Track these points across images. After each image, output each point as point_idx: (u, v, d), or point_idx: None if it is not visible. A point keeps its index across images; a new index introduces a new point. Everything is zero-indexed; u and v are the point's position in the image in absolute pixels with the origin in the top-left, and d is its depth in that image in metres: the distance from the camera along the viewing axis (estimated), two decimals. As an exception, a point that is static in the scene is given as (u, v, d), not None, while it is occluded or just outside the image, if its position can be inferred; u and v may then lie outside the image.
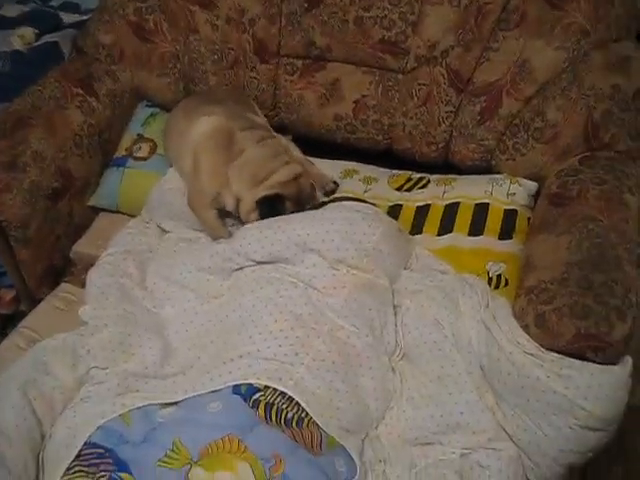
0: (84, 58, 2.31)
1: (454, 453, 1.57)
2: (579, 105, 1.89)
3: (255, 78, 2.24)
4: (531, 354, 1.52)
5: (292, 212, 1.91)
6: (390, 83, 2.12)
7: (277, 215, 1.89)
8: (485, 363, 1.63)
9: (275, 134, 2.16)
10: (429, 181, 2.12)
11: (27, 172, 1.96)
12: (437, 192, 2.06)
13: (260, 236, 1.84)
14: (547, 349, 1.51)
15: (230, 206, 1.96)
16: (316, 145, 2.29)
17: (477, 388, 1.61)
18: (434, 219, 2.00)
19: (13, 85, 2.16)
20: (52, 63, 2.25)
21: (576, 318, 1.48)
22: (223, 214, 2.01)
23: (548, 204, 1.80)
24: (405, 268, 1.88)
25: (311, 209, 1.96)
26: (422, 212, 2.03)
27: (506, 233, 1.91)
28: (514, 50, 1.95)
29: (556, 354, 1.50)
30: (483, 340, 1.65)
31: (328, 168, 2.20)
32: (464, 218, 1.96)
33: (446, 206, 2.01)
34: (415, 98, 2.09)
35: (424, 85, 2.07)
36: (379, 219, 1.89)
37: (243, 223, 1.96)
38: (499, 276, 1.84)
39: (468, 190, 2.03)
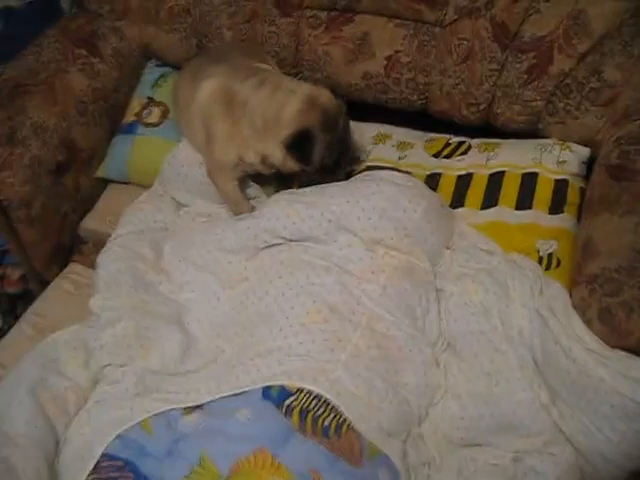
0: (85, 14, 2.10)
1: (505, 457, 1.43)
2: (642, 63, 1.68)
3: (275, 33, 2.03)
4: (594, 351, 1.37)
5: (328, 140, 1.70)
6: (426, 37, 1.91)
7: (313, 151, 1.69)
8: (539, 357, 1.47)
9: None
10: (470, 146, 1.93)
11: (27, 146, 1.79)
12: (480, 159, 1.87)
13: (290, 211, 1.67)
14: (614, 347, 1.35)
15: (258, 166, 1.78)
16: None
17: (530, 385, 1.46)
18: (477, 190, 1.81)
19: (6, 47, 1.96)
20: (50, 20, 2.04)
21: (648, 314, 1.32)
22: (244, 187, 1.83)
23: (608, 177, 1.61)
24: (447, 248, 1.71)
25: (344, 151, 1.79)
26: (463, 182, 1.84)
27: (557, 206, 1.73)
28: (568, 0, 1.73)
29: (623, 353, 1.34)
30: (537, 331, 1.49)
31: (357, 132, 1.99)
32: (510, 189, 1.78)
33: (490, 175, 1.82)
34: (454, 54, 1.88)
35: (465, 40, 1.85)
36: (420, 194, 1.71)
37: (276, 187, 1.81)
38: (550, 255, 1.67)
39: (514, 157, 1.83)
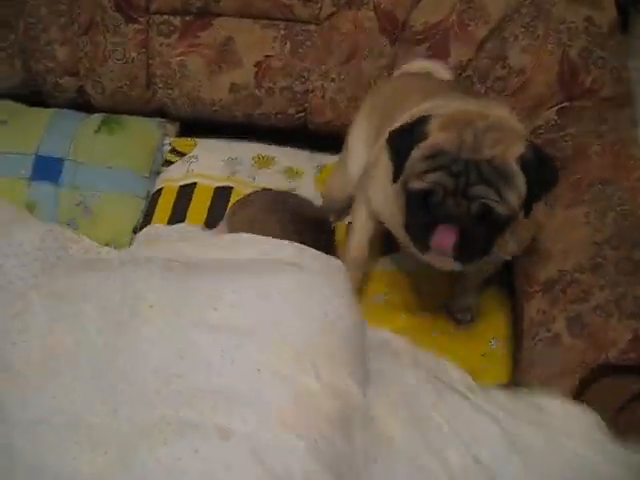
0: None
1: None
2: (549, 44, 1.50)
3: (120, 44, 1.68)
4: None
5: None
6: (301, 37, 1.63)
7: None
8: None
9: None
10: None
11: None
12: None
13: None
14: (589, 364, 1.07)
15: None
16: (208, 128, 1.78)
17: None
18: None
19: None
20: None
21: (629, 317, 1.06)
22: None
23: (537, 170, 1.37)
24: None
25: None
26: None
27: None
28: (458, -18, 1.52)
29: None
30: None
31: (233, 152, 1.72)
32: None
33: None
34: (336, 53, 1.61)
35: (347, 35, 1.59)
36: (345, 286, 1.14)
37: None
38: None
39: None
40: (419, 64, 1.55)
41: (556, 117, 1.47)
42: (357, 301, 1.14)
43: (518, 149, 1.04)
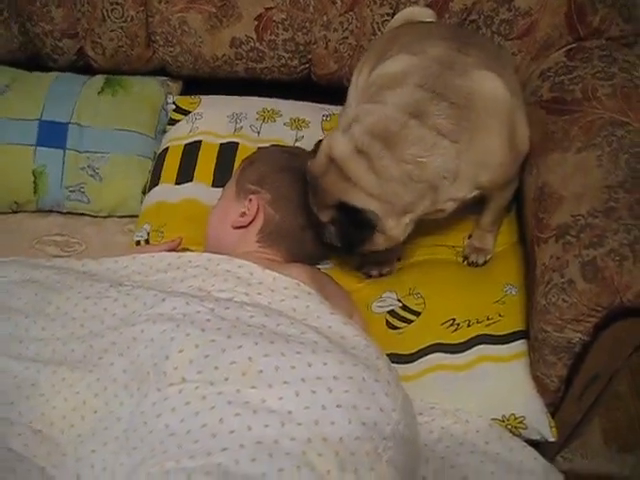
0: None
1: None
2: (556, -16, 1.45)
3: (119, 4, 1.64)
4: None
5: None
6: (301, -13, 1.60)
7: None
8: None
9: None
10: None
11: None
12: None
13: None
14: (605, 307, 1.08)
15: None
16: (210, 85, 1.76)
17: None
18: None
19: None
20: None
21: (643, 260, 1.06)
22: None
23: (546, 114, 1.35)
24: None
25: None
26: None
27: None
28: None
29: None
30: None
31: (238, 108, 1.69)
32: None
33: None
34: (338, 2, 1.58)
35: (348, -17, 1.57)
36: (390, 369, 1.08)
37: None
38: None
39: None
40: (405, 14, 1.53)
41: (564, 59, 1.43)
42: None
43: (330, 212, 1.24)
